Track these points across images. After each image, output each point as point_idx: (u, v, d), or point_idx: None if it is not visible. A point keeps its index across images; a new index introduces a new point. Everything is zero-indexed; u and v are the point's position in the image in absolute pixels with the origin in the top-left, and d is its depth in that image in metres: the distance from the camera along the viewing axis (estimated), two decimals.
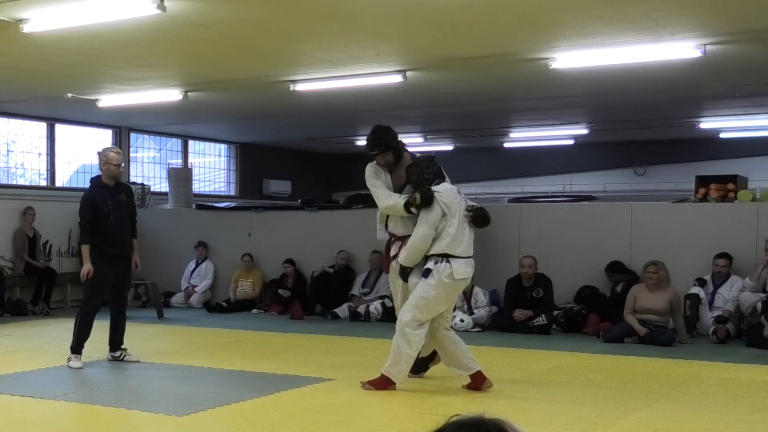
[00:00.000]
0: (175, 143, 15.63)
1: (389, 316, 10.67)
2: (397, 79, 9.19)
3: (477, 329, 9.60)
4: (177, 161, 15.49)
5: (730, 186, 9.75)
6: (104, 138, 13.97)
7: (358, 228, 11.56)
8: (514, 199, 12.94)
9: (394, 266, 6.34)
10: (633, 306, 8.82)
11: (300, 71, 9.19)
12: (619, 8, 6.62)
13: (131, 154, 14.40)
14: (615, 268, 9.69)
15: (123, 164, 7.53)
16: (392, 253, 6.38)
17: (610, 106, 12.03)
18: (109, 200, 7.27)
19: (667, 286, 8.80)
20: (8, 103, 11.53)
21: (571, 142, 15.85)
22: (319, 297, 11.33)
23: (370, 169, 6.78)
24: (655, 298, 8.74)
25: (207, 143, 16.38)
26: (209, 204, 13.62)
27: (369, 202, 12.04)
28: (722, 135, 14.71)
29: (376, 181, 6.63)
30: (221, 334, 9.44)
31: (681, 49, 7.80)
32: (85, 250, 7.18)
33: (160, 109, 11.77)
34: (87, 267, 7.13)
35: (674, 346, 8.39)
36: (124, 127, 14.01)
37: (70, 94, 10.51)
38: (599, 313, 9.46)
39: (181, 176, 14.17)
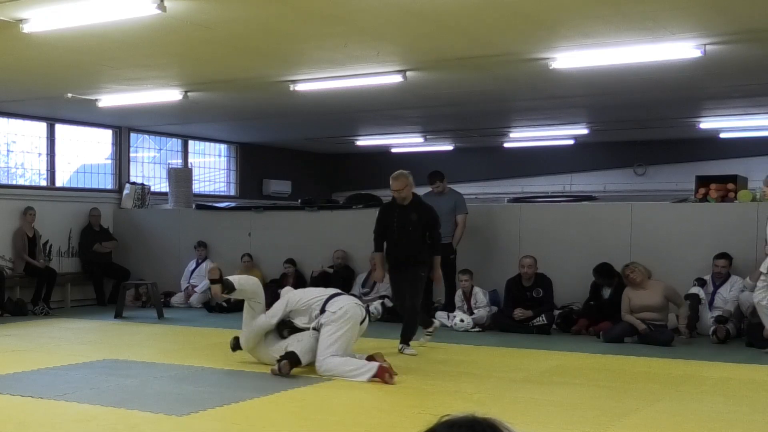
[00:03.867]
0: (175, 143, 15.63)
1: (389, 316, 10.67)
2: (397, 79, 9.19)
3: (477, 329, 9.60)
4: (177, 161, 15.49)
5: (730, 186, 9.75)
6: (104, 138, 13.98)
7: (358, 228, 11.54)
8: (514, 199, 12.94)
9: None
10: (629, 307, 8.86)
11: (300, 71, 9.19)
12: (619, 8, 6.62)
13: (131, 154, 14.40)
14: (602, 272, 9.61)
15: (402, 188, 8.01)
16: None
17: (610, 106, 12.03)
18: (396, 217, 8.09)
19: (653, 281, 8.90)
20: (8, 103, 11.53)
21: (571, 142, 15.85)
22: None
23: None
24: (646, 295, 8.82)
25: (207, 143, 16.38)
26: (209, 204, 13.63)
27: (368, 202, 12.10)
28: (722, 135, 14.70)
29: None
30: (221, 334, 9.43)
31: (681, 49, 7.80)
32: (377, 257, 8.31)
33: (160, 109, 11.77)
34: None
35: (674, 346, 8.39)
36: (124, 127, 14.01)
37: (70, 94, 10.51)
38: (588, 317, 9.48)
39: (181, 176, 14.17)
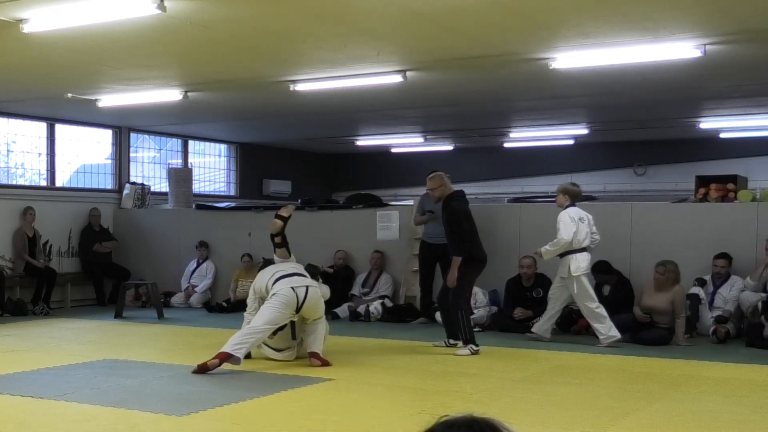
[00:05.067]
0: (175, 143, 15.63)
1: (389, 316, 10.69)
2: (397, 79, 9.19)
3: (477, 329, 9.57)
4: (177, 161, 15.49)
5: (730, 186, 9.74)
6: (104, 138, 13.98)
7: (358, 228, 11.56)
8: (514, 199, 12.93)
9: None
10: (641, 299, 8.86)
11: (300, 71, 9.19)
12: (619, 8, 6.62)
13: (131, 154, 14.40)
14: (601, 269, 9.64)
15: (435, 188, 8.25)
16: None
17: (610, 106, 12.03)
18: (443, 213, 8.38)
19: (673, 287, 8.69)
20: (8, 103, 11.53)
21: (571, 142, 15.85)
22: None
23: None
24: (658, 298, 8.71)
25: (207, 143, 16.38)
26: (209, 204, 13.63)
27: (368, 202, 12.10)
28: (722, 135, 14.70)
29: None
30: (221, 334, 9.40)
31: (681, 49, 7.80)
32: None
33: (160, 109, 11.77)
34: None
35: (669, 345, 8.38)
36: (124, 127, 14.01)
37: (70, 94, 10.51)
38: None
39: (181, 176, 14.17)
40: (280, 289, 7.26)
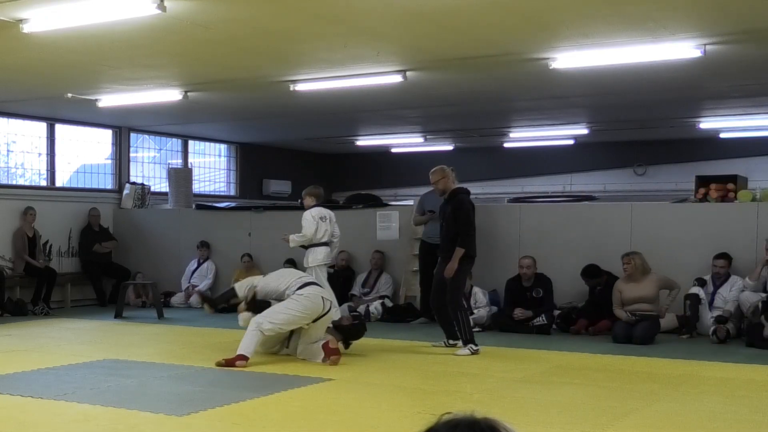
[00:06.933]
0: (175, 143, 15.63)
1: (389, 316, 10.69)
2: (397, 79, 9.19)
3: (477, 329, 9.57)
4: (177, 161, 15.49)
5: (730, 186, 9.74)
6: (104, 138, 13.97)
7: (359, 228, 11.56)
8: (514, 199, 12.94)
9: None
10: (620, 300, 8.96)
11: (300, 71, 9.19)
12: (619, 8, 6.62)
13: (131, 154, 14.40)
14: (590, 273, 9.66)
15: (438, 180, 8.26)
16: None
17: (610, 106, 12.03)
18: (443, 208, 8.35)
19: (648, 273, 8.97)
20: (8, 103, 11.53)
21: (571, 142, 15.85)
22: None
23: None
24: (640, 287, 8.90)
25: (207, 143, 16.38)
26: (209, 204, 13.63)
27: (368, 202, 12.10)
28: (722, 135, 14.70)
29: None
30: (221, 334, 9.44)
31: (681, 49, 7.80)
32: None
33: (160, 109, 11.77)
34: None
35: (667, 343, 8.39)
36: (124, 127, 14.01)
37: (70, 94, 10.51)
38: (587, 317, 9.48)
39: (181, 176, 14.17)
40: (311, 293, 7.44)
